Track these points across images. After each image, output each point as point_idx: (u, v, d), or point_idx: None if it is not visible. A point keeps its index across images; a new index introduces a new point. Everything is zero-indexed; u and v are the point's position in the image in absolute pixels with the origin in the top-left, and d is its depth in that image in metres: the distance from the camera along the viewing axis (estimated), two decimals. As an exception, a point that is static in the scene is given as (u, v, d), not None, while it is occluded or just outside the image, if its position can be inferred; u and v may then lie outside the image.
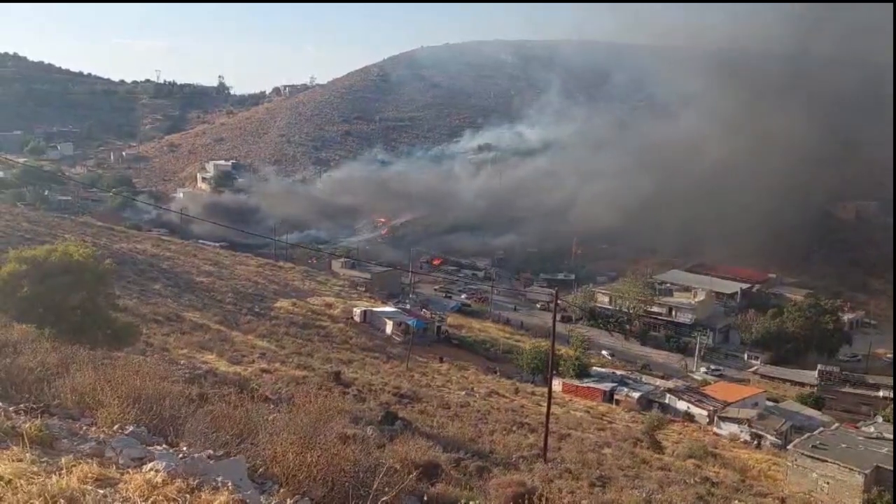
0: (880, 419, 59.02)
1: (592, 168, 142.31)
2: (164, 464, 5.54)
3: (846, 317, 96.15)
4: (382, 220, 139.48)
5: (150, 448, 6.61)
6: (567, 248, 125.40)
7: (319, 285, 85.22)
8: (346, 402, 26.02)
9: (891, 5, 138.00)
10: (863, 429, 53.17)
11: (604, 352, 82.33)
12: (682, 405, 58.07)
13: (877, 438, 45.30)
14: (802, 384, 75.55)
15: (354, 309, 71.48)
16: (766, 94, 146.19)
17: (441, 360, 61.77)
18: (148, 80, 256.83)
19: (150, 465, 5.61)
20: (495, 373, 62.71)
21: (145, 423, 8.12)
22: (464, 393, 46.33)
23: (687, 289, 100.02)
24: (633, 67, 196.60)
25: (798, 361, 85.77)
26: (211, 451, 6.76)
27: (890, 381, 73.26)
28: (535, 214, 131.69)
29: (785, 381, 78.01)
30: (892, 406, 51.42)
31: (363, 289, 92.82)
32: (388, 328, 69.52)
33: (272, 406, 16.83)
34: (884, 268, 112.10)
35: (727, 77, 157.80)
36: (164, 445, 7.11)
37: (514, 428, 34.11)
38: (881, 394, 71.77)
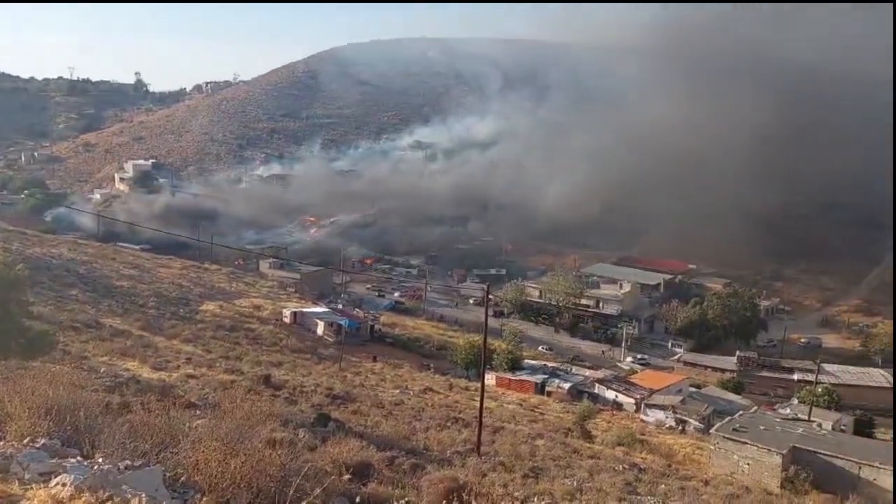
0: (796, 401, 62.13)
1: (529, 164, 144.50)
2: (72, 477, 5.26)
3: (762, 304, 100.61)
4: (311, 219, 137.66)
5: (62, 461, 6.28)
6: (500, 244, 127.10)
7: (247, 287, 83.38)
8: (276, 406, 25.51)
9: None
10: (780, 411, 55.83)
11: (541, 347, 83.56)
12: (610, 394, 59.70)
13: (793, 420, 47.62)
14: (723, 370, 78.74)
15: (284, 310, 70.29)
16: (695, 91, 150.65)
17: (374, 360, 61.47)
18: (61, 78, 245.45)
19: (56, 480, 5.32)
20: (429, 370, 62.88)
21: (59, 435, 7.73)
22: (398, 391, 46.20)
23: (613, 281, 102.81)
24: (565, 65, 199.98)
25: (718, 348, 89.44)
26: (129, 462, 6.47)
27: (804, 364, 77.14)
28: (476, 210, 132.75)
29: (706, 367, 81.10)
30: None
31: (293, 289, 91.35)
32: (320, 329, 68.67)
33: (198, 412, 16.36)
34: (797, 256, 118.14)
35: (657, 75, 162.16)
36: (77, 458, 6.77)
37: (449, 424, 34.21)
38: (796, 377, 75.47)
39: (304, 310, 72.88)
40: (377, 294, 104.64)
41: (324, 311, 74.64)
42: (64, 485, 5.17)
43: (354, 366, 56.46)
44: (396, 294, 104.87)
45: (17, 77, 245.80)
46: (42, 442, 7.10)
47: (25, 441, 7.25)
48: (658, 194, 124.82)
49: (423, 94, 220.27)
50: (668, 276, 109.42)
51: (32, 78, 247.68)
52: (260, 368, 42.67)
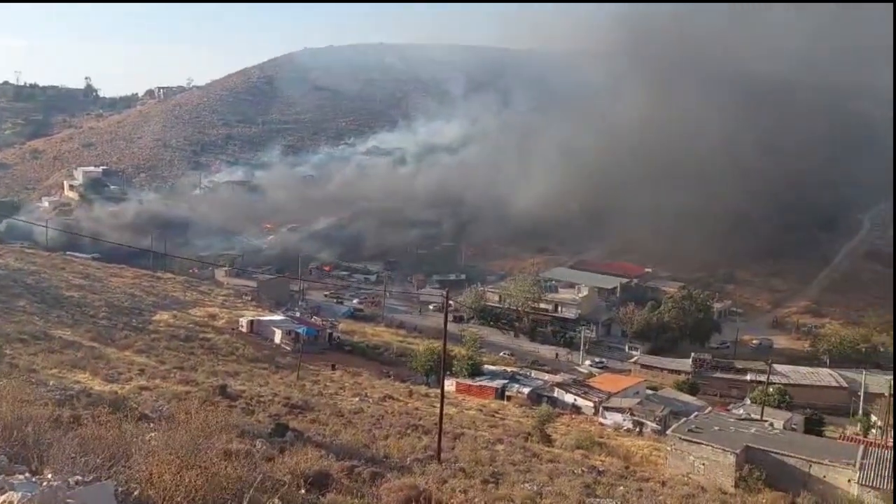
0: (748, 401, 63.61)
1: (500, 165, 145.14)
2: (19, 495, 5.09)
3: (715, 306, 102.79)
4: (269, 225, 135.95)
5: (8, 478, 6.07)
6: (458, 248, 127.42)
7: (203, 296, 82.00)
8: (232, 416, 25.10)
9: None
10: (733, 411, 57.09)
11: (503, 353, 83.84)
12: (569, 398, 60.24)
13: (746, 420, 48.73)
14: (678, 372, 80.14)
15: (241, 319, 69.29)
16: (656, 91, 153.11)
17: (333, 368, 60.98)
18: (6, 82, 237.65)
19: (3, 498, 5.13)
20: (389, 377, 62.63)
21: (5, 451, 7.47)
22: (357, 399, 45.91)
23: (571, 285, 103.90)
24: (528, 69, 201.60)
25: (674, 351, 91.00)
26: (80, 477, 6.29)
27: (756, 365, 78.99)
28: (448, 213, 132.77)
29: (663, 369, 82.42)
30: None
31: (249, 298, 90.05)
32: (277, 337, 67.87)
33: (151, 425, 15.99)
34: (749, 258, 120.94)
35: (619, 78, 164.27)
36: (26, 474, 6.56)
37: (409, 431, 34.11)
38: (749, 377, 77.20)
39: (261, 318, 71.98)
40: (335, 301, 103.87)
41: (281, 320, 73.86)
42: (11, 502, 5.00)
43: (313, 374, 55.94)
44: (355, 301, 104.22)
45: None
46: (-13, 459, 6.86)
47: (-30, 458, 7.00)
48: (618, 195, 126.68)
49: (382, 100, 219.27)
50: (624, 280, 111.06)
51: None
52: (216, 379, 42.00)
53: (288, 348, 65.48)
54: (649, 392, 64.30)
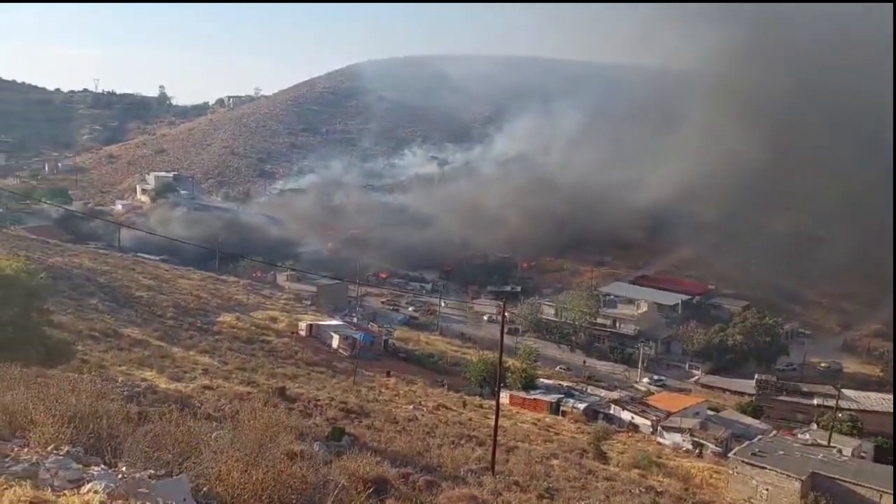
0: (815, 426, 61.19)
1: (528, 186, 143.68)
2: (102, 484, 5.29)
3: (783, 328, 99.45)
4: (330, 232, 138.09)
5: (88, 469, 6.32)
6: (514, 260, 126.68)
7: (264, 299, 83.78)
8: (291, 419, 25.53)
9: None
10: (799, 436, 55.00)
11: (559, 367, 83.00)
12: (626, 416, 59.02)
13: (812, 445, 46.89)
14: (741, 393, 77.78)
15: (300, 323, 70.44)
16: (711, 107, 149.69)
17: (388, 375, 61.33)
18: (86, 90, 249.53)
19: (88, 487, 5.35)
20: (443, 386, 62.58)
21: (82, 443, 7.77)
22: (411, 407, 46.06)
23: (630, 301, 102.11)
24: (584, 86, 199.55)
25: (737, 371, 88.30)
26: (152, 471, 6.50)
27: (824, 389, 75.99)
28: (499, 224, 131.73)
29: (725, 390, 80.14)
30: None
31: (309, 302, 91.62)
32: (335, 342, 68.72)
33: (215, 423, 16.38)
34: (817, 279, 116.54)
35: (679, 94, 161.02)
36: (101, 466, 6.81)
37: (462, 441, 34.01)
38: (816, 402, 74.33)
39: (320, 323, 73.05)
40: (391, 308, 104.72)
41: (339, 325, 74.74)
42: (96, 492, 5.20)
43: (368, 380, 56.40)
44: (410, 309, 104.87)
45: (44, 89, 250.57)
46: (66, 449, 7.15)
47: (49, 448, 7.30)
48: (683, 210, 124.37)
49: (442, 111, 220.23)
50: (686, 297, 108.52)
51: (58, 89, 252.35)
52: (275, 381, 42.78)
53: (345, 353, 66.23)
54: (710, 413, 62.51)
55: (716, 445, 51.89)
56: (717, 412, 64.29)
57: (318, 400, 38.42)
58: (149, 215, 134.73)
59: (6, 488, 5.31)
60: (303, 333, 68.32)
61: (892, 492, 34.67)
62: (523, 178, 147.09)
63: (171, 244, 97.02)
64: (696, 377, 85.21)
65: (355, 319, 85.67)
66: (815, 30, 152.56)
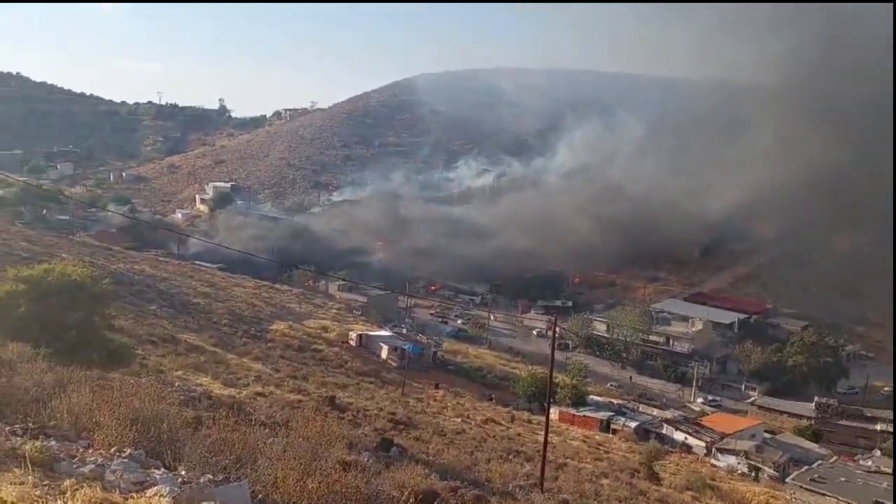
0: (878, 453, 58.68)
1: (598, 196, 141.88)
2: (168, 488, 5.43)
3: (845, 349, 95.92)
4: (380, 243, 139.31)
5: (150, 472, 6.49)
6: (566, 274, 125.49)
7: (316, 308, 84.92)
8: (341, 428, 25.73)
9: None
10: (861, 462, 52.83)
11: (609, 384, 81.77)
12: (679, 436, 57.66)
13: (876, 472, 44.97)
14: (800, 416, 75.20)
15: (350, 333, 71.14)
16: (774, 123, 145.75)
17: (437, 387, 61.36)
18: (150, 102, 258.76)
19: (153, 490, 5.50)
20: (491, 400, 62.26)
21: (143, 446, 7.98)
22: (459, 420, 45.91)
23: (684, 318, 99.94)
24: (639, 98, 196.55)
25: (796, 393, 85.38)
26: (210, 476, 6.64)
27: (888, 414, 72.86)
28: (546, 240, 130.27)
29: (782, 412, 77.59)
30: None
31: (359, 312, 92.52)
32: (384, 353, 69.16)
33: (267, 430, 16.63)
34: (881, 299, 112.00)
35: (744, 103, 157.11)
36: (162, 469, 6.99)
37: (511, 456, 33.72)
38: (879, 427, 71.35)
39: (370, 333, 73.64)
40: (440, 320, 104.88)
41: (388, 335, 75.22)
42: (162, 496, 5.34)
43: (417, 392, 56.49)
44: (459, 321, 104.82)
45: (111, 101, 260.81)
46: (129, 452, 7.36)
47: (113, 450, 7.53)
48: (747, 228, 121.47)
49: (495, 124, 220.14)
50: (743, 316, 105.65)
51: (124, 102, 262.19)
52: (325, 389, 43.19)
53: (394, 364, 66.58)
54: (767, 435, 60.58)
55: (773, 470, 50.24)
56: (774, 435, 62.31)
57: (367, 410, 38.65)
58: (216, 225, 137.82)
59: (77, 489, 5.50)
60: (353, 343, 68.95)
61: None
62: (591, 188, 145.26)
63: (228, 252, 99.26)
64: (753, 398, 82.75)
65: (404, 330, 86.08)
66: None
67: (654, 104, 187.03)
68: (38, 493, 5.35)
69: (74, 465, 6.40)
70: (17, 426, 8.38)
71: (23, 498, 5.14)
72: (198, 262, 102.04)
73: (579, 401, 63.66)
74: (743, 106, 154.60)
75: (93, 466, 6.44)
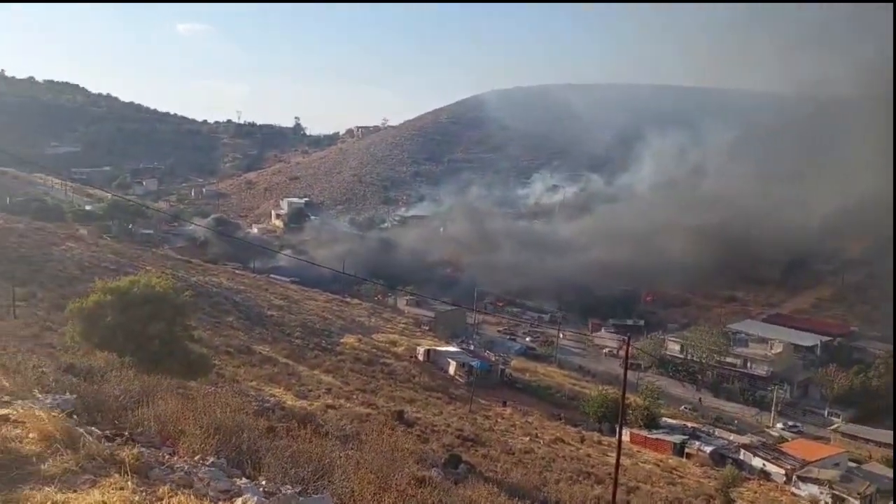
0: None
1: (669, 215, 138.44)
2: (255, 498, 5.58)
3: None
4: (448, 258, 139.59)
5: (234, 481, 6.68)
6: (638, 292, 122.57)
7: (385, 322, 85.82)
8: (410, 443, 25.86)
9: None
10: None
11: (683, 406, 79.44)
12: (757, 462, 55.41)
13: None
14: (888, 445, 70.96)
15: (418, 347, 71.51)
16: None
17: (504, 404, 60.91)
18: (229, 121, 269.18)
19: (241, 500, 5.65)
20: (560, 419, 61.33)
21: (224, 455, 8.22)
22: (528, 439, 45.46)
23: (763, 340, 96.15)
24: (720, 112, 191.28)
25: (883, 421, 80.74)
26: (290, 487, 6.78)
27: None
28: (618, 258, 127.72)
29: (868, 441, 73.48)
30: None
31: (427, 327, 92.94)
32: (452, 369, 69.17)
33: (338, 443, 16.86)
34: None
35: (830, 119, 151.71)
36: (244, 479, 7.18)
37: (580, 478, 33.17)
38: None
39: (437, 348, 73.82)
40: (508, 337, 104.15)
41: (456, 351, 75.21)
42: (249, 506, 5.49)
43: (484, 409, 56.24)
44: (528, 339, 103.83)
45: (193, 120, 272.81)
46: (212, 460, 7.60)
47: (196, 458, 7.79)
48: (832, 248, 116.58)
49: (566, 139, 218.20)
50: (825, 338, 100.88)
51: (205, 121, 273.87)
52: (393, 404, 43.55)
53: (461, 380, 66.51)
54: (852, 464, 57.54)
55: (859, 501, 47.62)
56: (860, 465, 59.09)
57: (435, 425, 38.75)
58: (302, 240, 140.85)
59: (172, 496, 5.72)
60: (420, 358, 69.28)
61: None
62: (682, 201, 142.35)
63: (300, 265, 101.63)
64: (836, 425, 78.69)
65: (472, 347, 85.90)
66: None
67: (733, 118, 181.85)
68: (137, 498, 5.59)
69: (164, 472, 6.64)
70: (105, 432, 8.77)
71: (124, 503, 5.38)
72: (273, 276, 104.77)
73: (651, 423, 62.01)
74: (835, 117, 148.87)
75: (182, 473, 6.67)
